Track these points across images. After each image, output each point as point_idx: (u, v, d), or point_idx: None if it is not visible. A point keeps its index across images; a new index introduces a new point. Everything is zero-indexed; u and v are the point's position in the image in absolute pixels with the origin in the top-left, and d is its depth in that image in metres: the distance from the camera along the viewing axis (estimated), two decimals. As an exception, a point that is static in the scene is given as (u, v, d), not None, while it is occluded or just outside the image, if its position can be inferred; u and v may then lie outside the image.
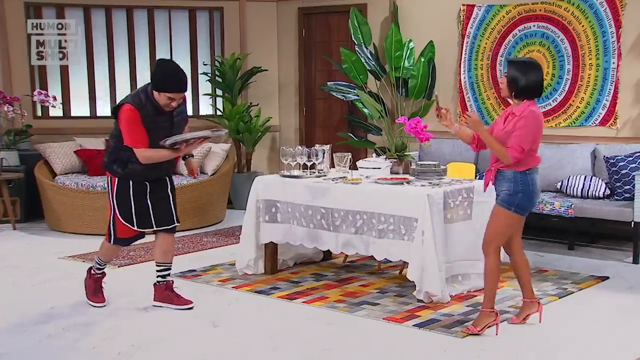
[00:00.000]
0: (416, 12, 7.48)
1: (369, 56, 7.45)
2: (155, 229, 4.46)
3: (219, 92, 8.43)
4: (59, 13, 8.02)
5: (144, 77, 8.34)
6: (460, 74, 7.19)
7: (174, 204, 4.52)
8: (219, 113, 8.41)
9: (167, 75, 4.19)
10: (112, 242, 4.49)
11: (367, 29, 7.53)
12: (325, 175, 5.22)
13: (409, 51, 7.36)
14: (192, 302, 4.54)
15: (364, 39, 7.49)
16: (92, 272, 4.65)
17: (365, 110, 7.46)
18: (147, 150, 4.22)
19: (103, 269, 4.66)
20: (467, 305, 4.55)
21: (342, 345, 3.95)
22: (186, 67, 8.50)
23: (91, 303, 4.60)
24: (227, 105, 8.14)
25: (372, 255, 4.90)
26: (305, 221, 5.02)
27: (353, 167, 5.31)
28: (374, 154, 6.92)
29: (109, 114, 8.31)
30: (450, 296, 4.63)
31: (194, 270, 5.43)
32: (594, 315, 4.41)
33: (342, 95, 7.61)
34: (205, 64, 8.54)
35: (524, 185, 3.93)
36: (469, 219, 4.78)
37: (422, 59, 7.31)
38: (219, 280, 5.20)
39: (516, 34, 6.83)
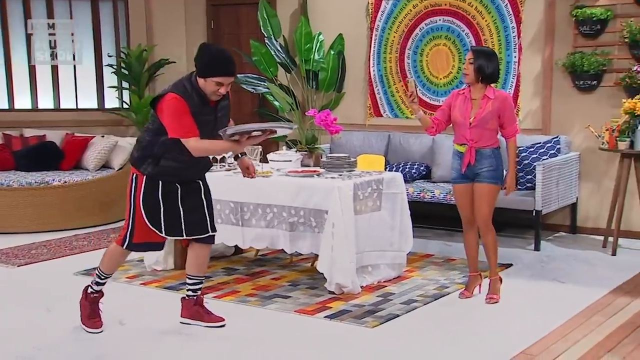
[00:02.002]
0: (325, 5, 7.49)
1: (279, 49, 7.42)
2: (185, 237, 4.01)
3: (125, 84, 8.19)
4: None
5: (44, 70, 7.99)
6: (369, 66, 7.26)
7: (209, 211, 4.03)
8: (125, 106, 8.17)
9: (213, 59, 3.72)
10: (125, 247, 3.95)
11: (277, 21, 7.49)
12: (235, 169, 5.15)
13: (318, 44, 7.37)
14: (224, 320, 4.11)
15: (274, 31, 7.45)
16: (89, 290, 4.05)
17: (276, 103, 7.42)
18: (200, 141, 3.71)
19: (103, 284, 4.07)
20: (378, 296, 4.60)
21: (253, 339, 3.91)
22: (90, 58, 8.23)
23: (86, 328, 4.00)
24: (134, 98, 7.92)
25: (283, 249, 4.88)
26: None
27: (263, 160, 5.27)
28: (285, 147, 6.91)
29: (6, 106, 7.96)
30: (360, 287, 4.67)
31: (100, 268, 5.25)
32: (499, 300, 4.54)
33: (253, 88, 7.55)
34: (110, 56, 8.28)
35: (501, 159, 4.43)
36: (378, 210, 4.83)
37: (332, 52, 7.34)
38: (127, 277, 5.05)
39: (423, 28, 6.95)
